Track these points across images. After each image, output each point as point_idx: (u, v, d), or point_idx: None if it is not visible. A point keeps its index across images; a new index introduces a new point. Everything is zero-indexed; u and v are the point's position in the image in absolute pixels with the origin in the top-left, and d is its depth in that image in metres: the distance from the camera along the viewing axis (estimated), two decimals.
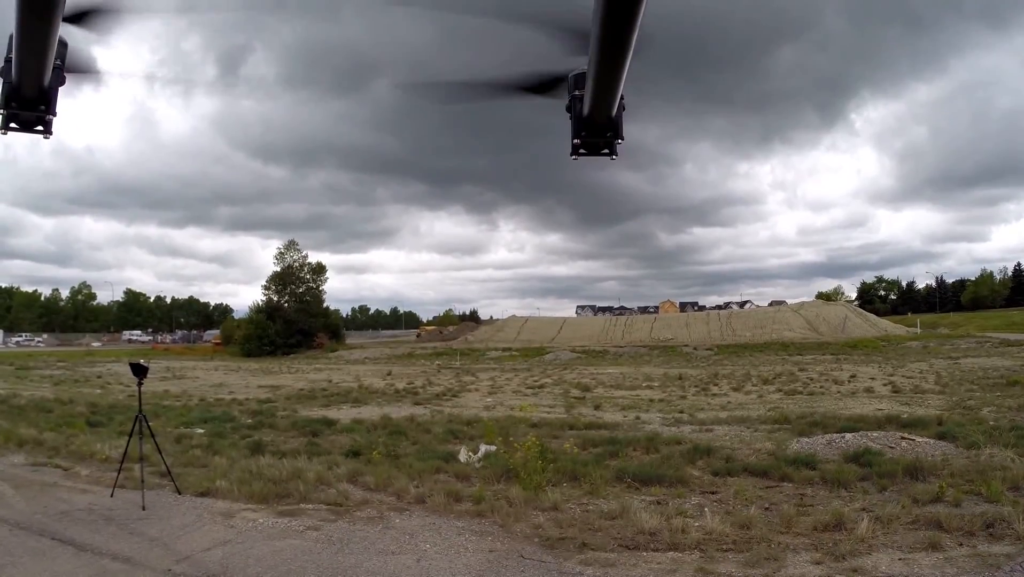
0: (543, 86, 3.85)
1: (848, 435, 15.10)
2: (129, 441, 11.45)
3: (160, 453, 12.02)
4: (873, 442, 14.16)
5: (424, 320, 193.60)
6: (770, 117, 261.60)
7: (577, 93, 3.82)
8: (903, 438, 14.49)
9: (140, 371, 11.43)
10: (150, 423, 11.51)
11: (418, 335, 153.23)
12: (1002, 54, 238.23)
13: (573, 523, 9.46)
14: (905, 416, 19.97)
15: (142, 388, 11.99)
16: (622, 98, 3.76)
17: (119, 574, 7.71)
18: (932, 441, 14.60)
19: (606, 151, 3.97)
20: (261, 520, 9.83)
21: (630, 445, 15.81)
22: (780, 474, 12.39)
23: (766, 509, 10.07)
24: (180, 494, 11.26)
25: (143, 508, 10.33)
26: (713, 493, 11.40)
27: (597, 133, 3.89)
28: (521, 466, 11.66)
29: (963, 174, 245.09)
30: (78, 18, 3.61)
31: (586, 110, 3.80)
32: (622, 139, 3.93)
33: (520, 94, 3.83)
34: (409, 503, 10.75)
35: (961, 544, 8.19)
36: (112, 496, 11.12)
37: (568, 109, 3.90)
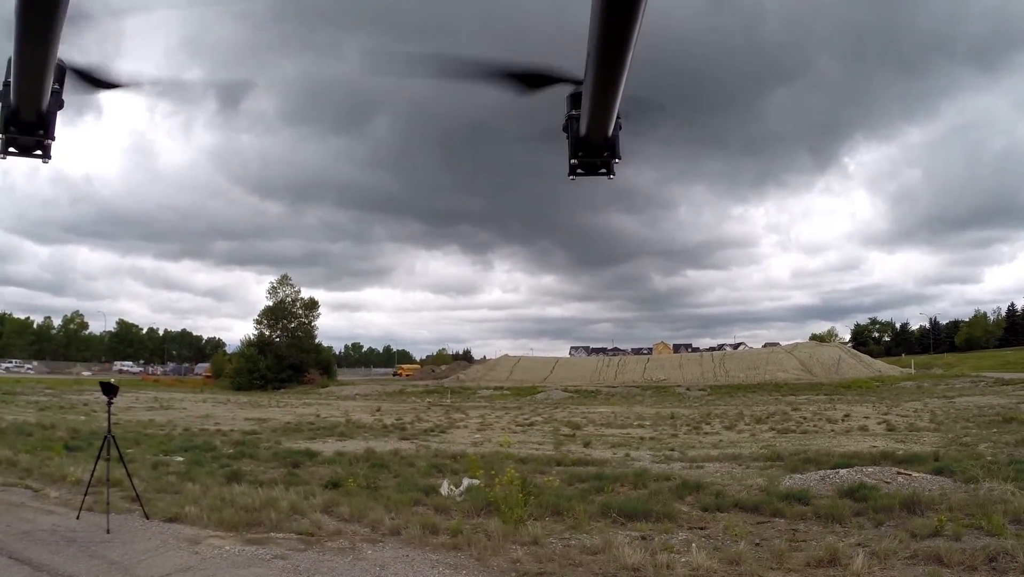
0: (536, 80, 3.71)
1: (842, 471, 14.71)
2: (96, 462, 11.08)
3: (129, 476, 11.63)
4: (868, 477, 13.77)
5: (418, 359, 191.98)
6: (764, 160, 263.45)
7: (574, 113, 3.78)
8: (899, 473, 14.11)
9: (110, 390, 11.13)
10: (127, 449, 11.13)
11: (395, 373, 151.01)
12: (993, 96, 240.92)
13: (553, 557, 9.01)
14: (901, 452, 19.61)
15: (111, 408, 11.64)
16: (619, 117, 3.71)
17: None
18: (929, 476, 14.19)
19: (603, 171, 3.91)
20: (228, 547, 9.38)
21: (617, 481, 15.42)
22: (772, 509, 11.99)
23: (756, 545, 9.66)
24: (148, 519, 10.83)
25: (107, 531, 9.92)
26: (702, 529, 10.98)
27: (594, 153, 3.83)
28: (501, 499, 11.24)
29: (956, 216, 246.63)
30: (91, 79, 3.75)
31: (583, 130, 3.76)
32: (619, 158, 3.87)
33: (510, 83, 3.69)
34: (383, 534, 10.31)
35: None
36: (78, 518, 10.72)
37: (565, 129, 3.85)
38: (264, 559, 8.91)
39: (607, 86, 3.35)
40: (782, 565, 8.51)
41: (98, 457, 11.05)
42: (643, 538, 10.08)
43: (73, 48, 3.57)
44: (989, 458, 17.38)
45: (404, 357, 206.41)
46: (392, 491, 13.75)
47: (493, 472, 13.61)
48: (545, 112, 3.88)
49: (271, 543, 9.62)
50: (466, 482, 14.30)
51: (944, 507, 11.20)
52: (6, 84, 3.70)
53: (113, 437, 10.97)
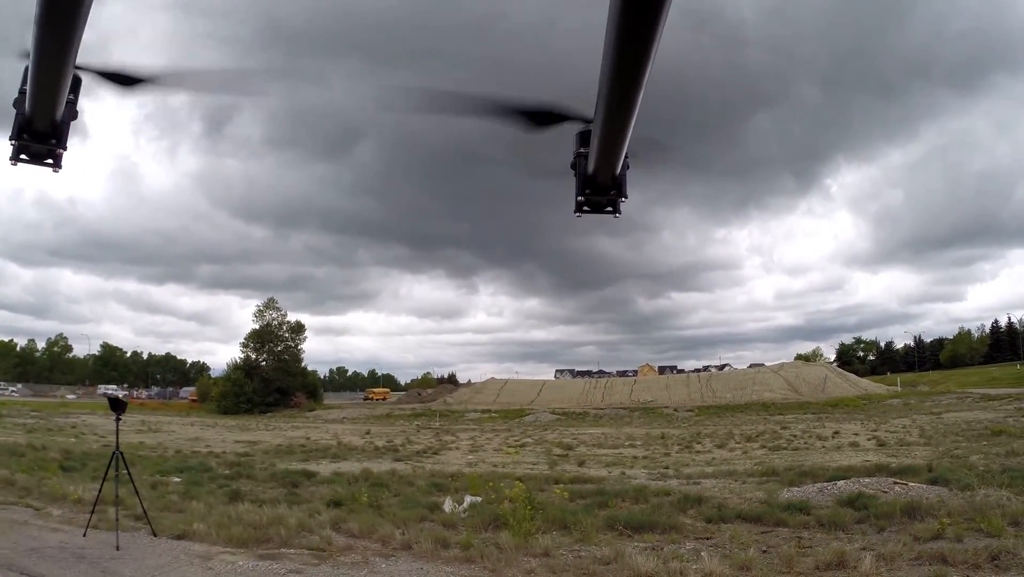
0: (545, 118, 3.73)
1: (840, 482, 14.94)
2: (104, 478, 11.05)
3: (137, 493, 11.62)
4: (866, 488, 13.98)
5: (403, 383, 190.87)
6: (747, 183, 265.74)
7: (582, 151, 3.78)
8: (896, 483, 14.32)
9: (118, 406, 11.09)
10: (123, 470, 11.08)
11: (366, 398, 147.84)
12: (971, 117, 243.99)
13: (567, 568, 9.14)
14: (894, 465, 19.84)
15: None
16: (627, 157, 3.74)
17: None
18: (925, 486, 14.43)
19: (609, 209, 3.93)
20: (241, 562, 9.42)
21: (618, 496, 15.52)
22: (775, 519, 12.15)
23: (764, 552, 9.81)
24: (156, 536, 10.81)
25: (117, 548, 9.89)
26: (708, 539, 11.13)
27: (601, 192, 3.85)
28: (510, 514, 11.35)
29: (938, 236, 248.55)
30: (115, 78, 3.71)
31: (591, 168, 3.77)
32: (626, 197, 3.89)
33: (519, 120, 3.70)
34: (395, 549, 10.37)
35: (967, 576, 7.99)
36: (85, 536, 10.66)
37: (573, 167, 3.85)
38: (279, 573, 8.97)
39: (617, 126, 3.38)
40: (792, 569, 8.68)
41: (106, 473, 11.04)
42: (652, 549, 10.19)
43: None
44: (982, 468, 17.63)
45: (389, 381, 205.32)
46: (396, 508, 13.80)
47: (494, 489, 13.75)
48: (541, 144, 3.88)
49: (283, 558, 9.67)
50: (468, 499, 14.41)
51: (943, 513, 11.38)
52: (21, 92, 3.73)
53: (122, 454, 10.97)
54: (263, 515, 12.05)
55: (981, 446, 26.68)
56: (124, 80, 3.77)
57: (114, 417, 11.18)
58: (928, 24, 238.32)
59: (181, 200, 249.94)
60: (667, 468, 24.83)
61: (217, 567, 9.23)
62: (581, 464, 27.79)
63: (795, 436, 40.07)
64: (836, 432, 41.10)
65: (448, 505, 14.20)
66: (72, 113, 3.82)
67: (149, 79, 3.80)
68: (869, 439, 34.99)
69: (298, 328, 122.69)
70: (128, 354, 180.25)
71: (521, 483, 12.78)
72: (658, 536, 11.16)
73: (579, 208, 3.89)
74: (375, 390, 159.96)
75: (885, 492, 13.60)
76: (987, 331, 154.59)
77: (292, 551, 10.13)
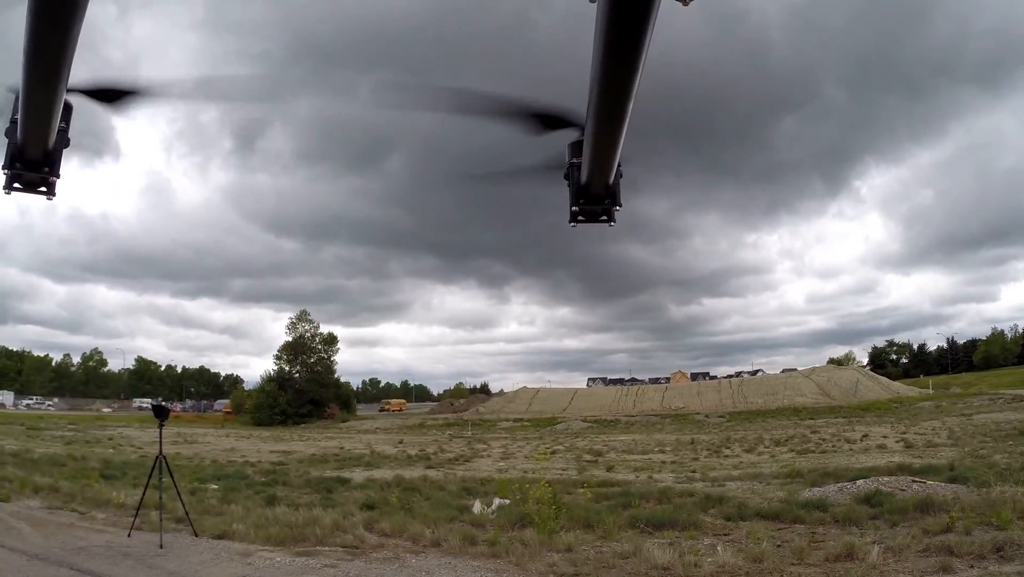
0: (551, 121, 3.79)
1: (859, 481, 15.16)
2: (149, 480, 11.65)
3: (179, 495, 12.18)
4: (884, 486, 14.21)
5: (435, 393, 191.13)
6: (776, 187, 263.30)
7: (575, 161, 3.84)
8: (914, 481, 14.55)
9: (162, 412, 11.67)
10: (163, 478, 11.59)
11: (381, 409, 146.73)
12: (999, 115, 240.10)
13: (587, 561, 9.56)
14: (917, 465, 19.97)
15: (162, 430, 12.05)
16: (619, 166, 3.79)
17: None
18: (944, 484, 14.62)
19: (604, 218, 3.99)
20: (279, 559, 9.95)
21: (642, 497, 15.89)
22: (792, 517, 12.49)
23: (778, 546, 10.15)
24: (197, 536, 11.37)
25: (160, 546, 10.47)
26: (726, 535, 11.48)
27: (595, 201, 3.92)
28: (535, 512, 11.78)
29: (970, 235, 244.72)
30: (102, 95, 3.76)
31: (584, 178, 3.84)
32: (620, 206, 3.95)
33: (526, 122, 3.78)
34: (424, 546, 10.84)
35: (972, 566, 8.33)
36: (129, 536, 11.23)
37: (566, 177, 3.92)
38: (315, 568, 9.48)
39: (608, 136, 3.44)
40: (802, 561, 9.04)
41: (149, 477, 11.65)
42: (670, 544, 10.57)
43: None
44: (1003, 467, 17.74)
45: (421, 392, 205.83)
46: (427, 510, 14.25)
47: (521, 492, 14.16)
48: (553, 146, 3.93)
49: (319, 555, 10.19)
50: (497, 501, 14.82)
51: (957, 508, 11.61)
52: (13, 121, 3.77)
53: (165, 458, 11.55)
54: (299, 517, 12.57)
55: (1007, 446, 26.70)
56: (111, 96, 3.81)
57: (157, 424, 11.78)
58: (952, 23, 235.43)
59: (213, 215, 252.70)
60: (694, 472, 25.11)
61: (256, 563, 9.77)
62: (609, 469, 28.14)
63: (824, 440, 40.08)
64: (865, 435, 40.98)
65: (477, 507, 14.64)
66: (64, 141, 3.90)
67: (136, 91, 3.82)
68: (897, 441, 34.99)
69: (331, 340, 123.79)
70: (162, 368, 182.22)
71: (547, 484, 13.14)
72: (677, 533, 11.51)
73: (574, 218, 3.97)
74: (392, 401, 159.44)
75: (903, 490, 13.83)
76: (1020, 331, 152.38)
77: (327, 549, 10.63)
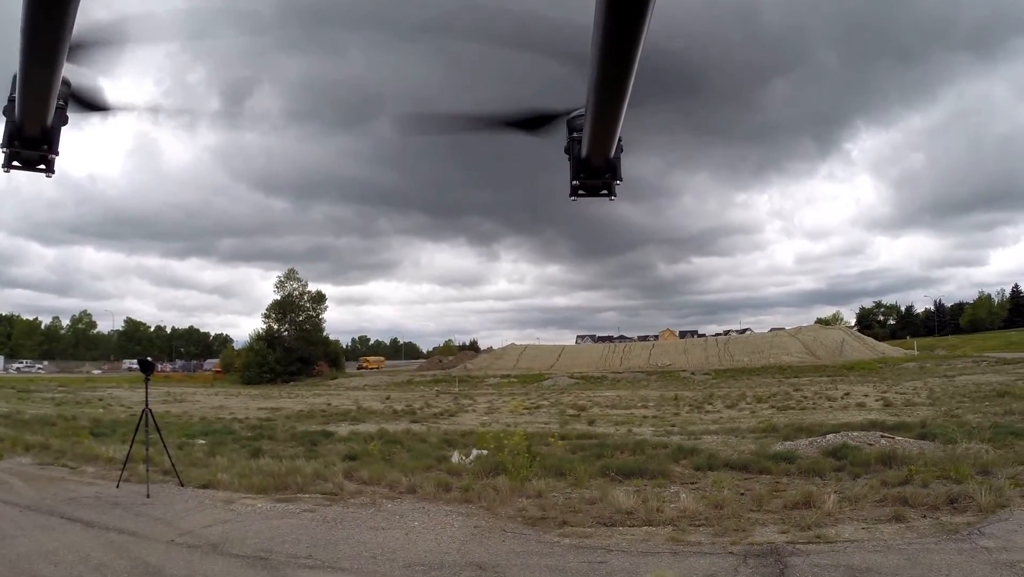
0: (536, 123, 3.86)
1: (829, 436, 15.57)
2: (135, 436, 11.96)
3: (166, 448, 12.56)
4: (853, 440, 14.62)
5: (425, 351, 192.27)
6: (767, 148, 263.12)
7: (575, 135, 3.83)
8: (883, 436, 14.96)
9: (147, 367, 11.95)
10: (150, 435, 11.89)
11: (359, 367, 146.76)
12: (991, 82, 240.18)
13: (555, 506, 9.96)
14: (891, 422, 20.43)
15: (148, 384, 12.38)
16: (620, 140, 3.76)
17: (126, 544, 8.19)
18: (913, 440, 15.04)
19: (604, 192, 3.96)
20: (260, 505, 10.36)
21: (617, 448, 16.28)
22: (759, 468, 12.90)
23: (741, 494, 10.55)
24: (183, 486, 11.78)
25: (147, 496, 10.87)
26: (693, 484, 11.88)
27: (595, 175, 3.88)
28: (509, 460, 12.13)
29: (960, 200, 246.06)
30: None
31: (584, 152, 3.81)
32: (620, 180, 3.92)
33: (512, 130, 3.87)
34: (401, 492, 11.24)
35: (925, 516, 8.70)
36: (118, 487, 11.62)
37: (567, 151, 3.90)
38: (294, 512, 9.88)
39: (609, 110, 3.41)
40: (761, 508, 9.46)
41: (136, 431, 11.99)
42: (637, 491, 10.96)
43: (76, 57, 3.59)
44: (973, 426, 18.18)
45: (411, 349, 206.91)
46: (407, 461, 14.60)
47: (497, 443, 14.51)
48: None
49: (299, 501, 10.60)
50: (475, 452, 15.18)
51: (920, 462, 11.98)
52: (11, 100, 3.75)
53: (151, 411, 11.86)
54: (282, 467, 12.92)
55: (983, 407, 27.10)
56: (95, 107, 3.91)
57: (143, 379, 12.09)
58: None
59: (201, 175, 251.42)
60: (673, 426, 25.56)
61: (239, 509, 10.18)
62: (591, 423, 28.55)
63: (806, 397, 40.65)
64: (847, 393, 41.57)
65: (455, 457, 15.00)
66: (62, 118, 3.88)
67: (121, 108, 3.94)
68: (877, 400, 35.49)
69: (319, 298, 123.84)
70: (152, 328, 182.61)
71: (523, 434, 13.49)
72: (646, 481, 11.90)
73: (574, 192, 3.93)
74: (369, 359, 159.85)
75: (871, 444, 14.22)
76: (1007, 296, 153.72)
77: (307, 496, 11.04)
